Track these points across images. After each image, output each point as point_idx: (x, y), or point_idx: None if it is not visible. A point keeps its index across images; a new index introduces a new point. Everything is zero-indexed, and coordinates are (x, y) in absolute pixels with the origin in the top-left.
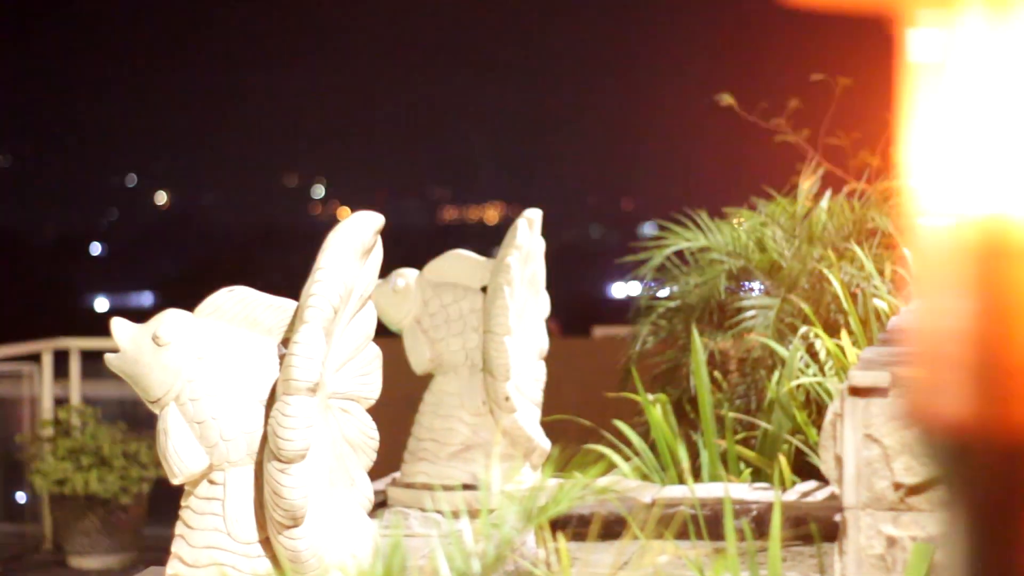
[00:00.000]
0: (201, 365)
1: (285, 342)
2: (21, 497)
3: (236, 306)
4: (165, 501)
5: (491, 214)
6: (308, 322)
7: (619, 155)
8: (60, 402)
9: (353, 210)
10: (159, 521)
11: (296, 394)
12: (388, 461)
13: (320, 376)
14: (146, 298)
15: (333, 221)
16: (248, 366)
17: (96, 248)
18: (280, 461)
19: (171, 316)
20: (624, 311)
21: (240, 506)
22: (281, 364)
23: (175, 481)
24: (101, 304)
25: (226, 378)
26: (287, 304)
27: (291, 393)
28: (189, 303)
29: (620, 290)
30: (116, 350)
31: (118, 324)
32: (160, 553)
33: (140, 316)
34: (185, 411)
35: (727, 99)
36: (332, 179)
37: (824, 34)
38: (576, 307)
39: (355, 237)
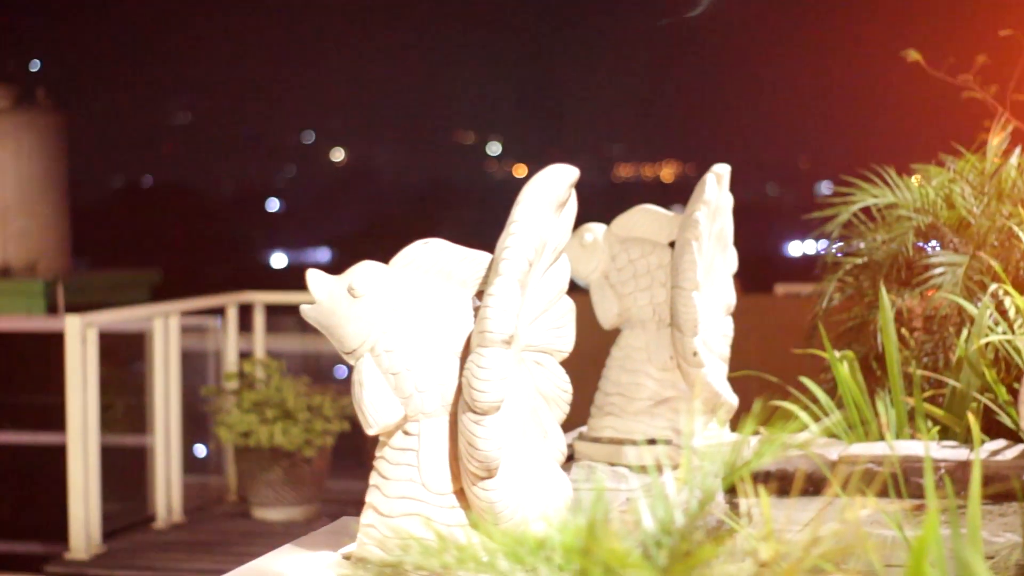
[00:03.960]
0: (396, 316)
1: (480, 294)
2: (200, 450)
3: (431, 258)
4: (348, 455)
5: (666, 172)
6: (503, 274)
7: (796, 113)
8: (244, 355)
9: (529, 168)
10: (341, 475)
11: (491, 346)
12: (574, 415)
13: (515, 328)
14: (322, 254)
15: (509, 178)
16: (443, 318)
17: (273, 204)
18: (475, 413)
19: (366, 268)
20: (801, 269)
21: (435, 457)
22: (476, 316)
23: (370, 432)
24: (278, 260)
25: (421, 329)
26: (482, 256)
27: (486, 345)
28: (365, 259)
29: (797, 249)
30: (302, 303)
31: (314, 275)
32: (342, 506)
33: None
34: (380, 362)
35: (914, 55)
36: (508, 137)
37: None
38: (754, 265)
39: (549, 190)
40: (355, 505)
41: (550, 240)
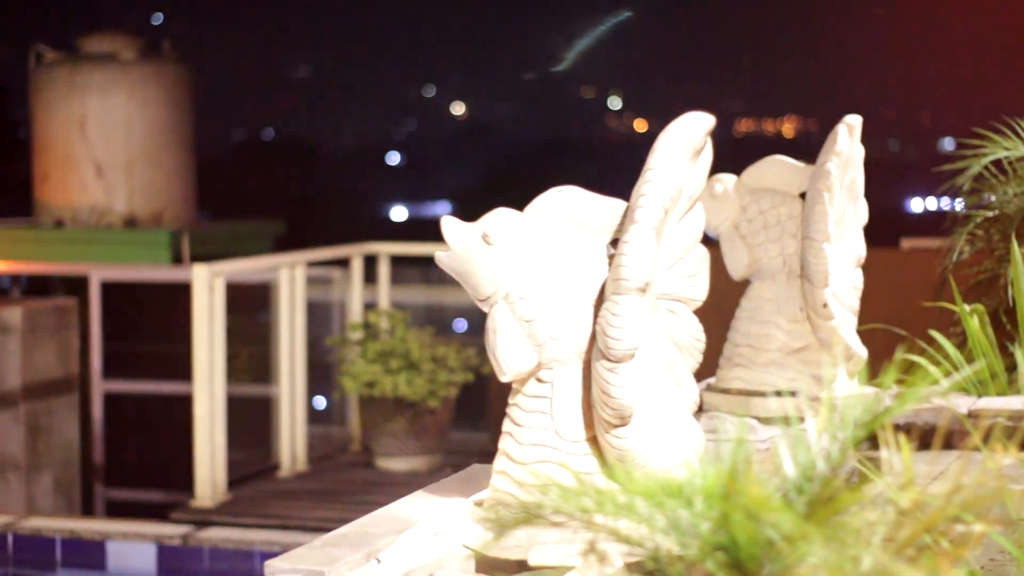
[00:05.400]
0: (530, 264)
1: (614, 242)
2: (320, 402)
3: (565, 206)
4: (471, 406)
5: (787, 127)
6: (638, 222)
7: (920, 68)
8: (368, 306)
9: (649, 122)
10: (464, 426)
11: (626, 294)
12: (702, 366)
13: (650, 276)
14: (442, 208)
15: (630, 133)
16: (577, 265)
17: (394, 158)
18: (609, 360)
19: (501, 215)
20: (923, 225)
21: (568, 404)
22: (610, 264)
23: (503, 379)
24: (398, 213)
25: (555, 277)
26: (616, 204)
27: (621, 293)
28: (485, 213)
29: (918, 205)
30: (427, 254)
31: (448, 222)
32: (465, 456)
33: (437, 226)
34: (514, 309)
35: None
36: (629, 91)
37: None
38: (877, 220)
39: (686, 137)
40: (478, 456)
41: (685, 188)
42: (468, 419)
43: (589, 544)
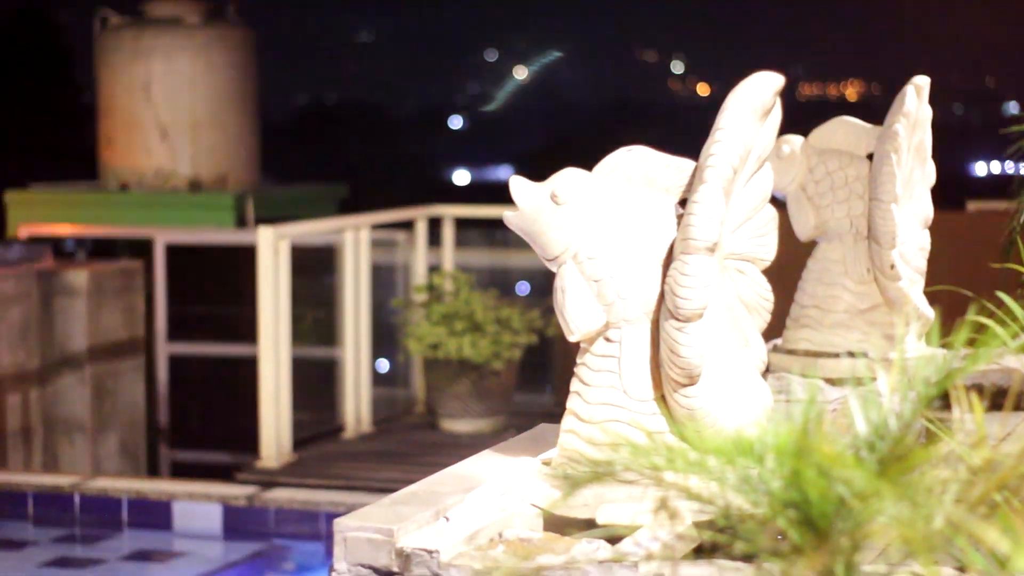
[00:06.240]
0: (599, 223)
1: (683, 202)
2: (383, 365)
3: (634, 165)
4: (535, 369)
5: (850, 91)
6: (707, 182)
7: (983, 32)
8: (432, 269)
9: (712, 87)
10: (528, 388)
11: (695, 253)
12: (769, 327)
13: (719, 236)
14: (504, 172)
15: (693, 97)
16: (646, 225)
17: (456, 122)
18: (677, 320)
19: (569, 174)
20: (987, 188)
21: (636, 364)
22: (679, 224)
23: (572, 338)
24: (461, 177)
25: (624, 236)
26: (685, 164)
27: (690, 252)
28: (546, 178)
29: (982, 169)
30: (491, 216)
31: (517, 182)
32: (529, 418)
33: (499, 190)
34: (583, 269)
35: None
36: (691, 55)
37: None
38: (942, 183)
39: (755, 97)
40: (542, 417)
41: (754, 148)
42: (532, 381)
43: (660, 502)
